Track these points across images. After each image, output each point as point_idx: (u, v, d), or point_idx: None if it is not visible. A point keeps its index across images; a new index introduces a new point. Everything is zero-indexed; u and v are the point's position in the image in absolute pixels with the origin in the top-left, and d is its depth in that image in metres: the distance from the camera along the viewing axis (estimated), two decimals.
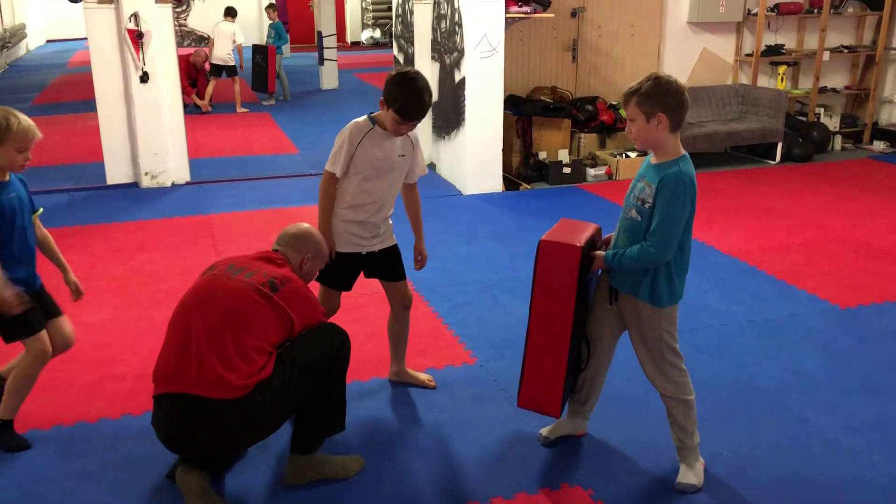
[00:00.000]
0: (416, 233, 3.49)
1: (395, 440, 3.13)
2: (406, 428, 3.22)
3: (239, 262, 2.74)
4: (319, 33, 12.84)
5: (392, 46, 8.69)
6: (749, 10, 8.24)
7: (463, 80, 6.60)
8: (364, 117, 3.16)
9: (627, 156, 7.37)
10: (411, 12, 7.76)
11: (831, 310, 4.35)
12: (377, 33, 21.58)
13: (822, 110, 8.65)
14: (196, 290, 2.69)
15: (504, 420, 3.27)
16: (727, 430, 3.16)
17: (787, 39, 8.60)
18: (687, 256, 2.71)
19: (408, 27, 7.96)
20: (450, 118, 7.03)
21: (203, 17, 20.29)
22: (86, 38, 6.90)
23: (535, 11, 6.83)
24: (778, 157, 7.96)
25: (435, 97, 7.35)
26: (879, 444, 3.07)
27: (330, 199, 3.17)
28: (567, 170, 7.15)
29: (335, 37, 13.06)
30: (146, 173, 6.93)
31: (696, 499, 2.76)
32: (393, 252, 3.37)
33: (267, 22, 12.18)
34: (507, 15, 6.55)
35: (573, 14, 7.67)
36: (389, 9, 21.71)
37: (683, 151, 2.66)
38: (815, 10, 8.40)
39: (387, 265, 3.35)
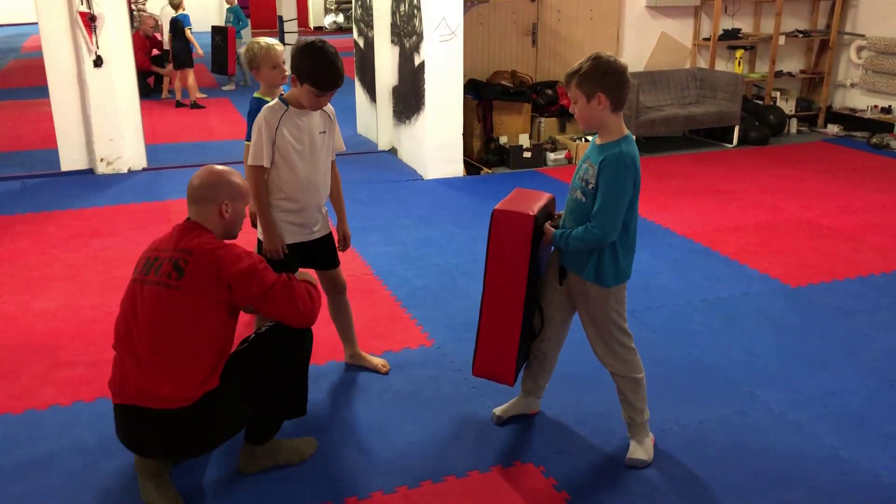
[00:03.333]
0: (338, 213, 3.38)
1: (350, 422, 3.13)
2: (361, 410, 3.23)
3: (153, 252, 2.57)
4: (280, 17, 12.71)
5: (353, 31, 8.62)
6: None
7: (422, 64, 6.58)
8: (275, 100, 3.06)
9: (587, 140, 7.41)
10: None
11: (781, 289, 4.44)
12: (340, 18, 21.41)
13: (778, 94, 8.78)
14: (125, 302, 2.57)
15: (459, 401, 3.29)
16: (676, 406, 3.22)
17: (744, 24, 8.69)
18: (633, 236, 2.75)
19: (367, 11, 7.90)
20: (410, 102, 7.01)
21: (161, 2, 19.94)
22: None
23: None
24: (735, 141, 8.07)
25: (395, 81, 7.36)
26: (823, 417, 3.15)
27: (265, 195, 3.07)
28: (527, 154, 7.17)
29: (296, 21, 12.93)
30: (101, 159, 6.82)
31: (645, 473, 2.81)
32: (329, 240, 3.32)
33: (224, 5, 12.01)
34: None
35: None
36: None
37: (626, 131, 2.69)
38: None
39: (323, 254, 3.30)
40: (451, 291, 4.41)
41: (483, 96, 7.30)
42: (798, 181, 6.66)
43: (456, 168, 6.86)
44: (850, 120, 8.70)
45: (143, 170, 7.02)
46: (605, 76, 2.58)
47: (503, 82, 7.44)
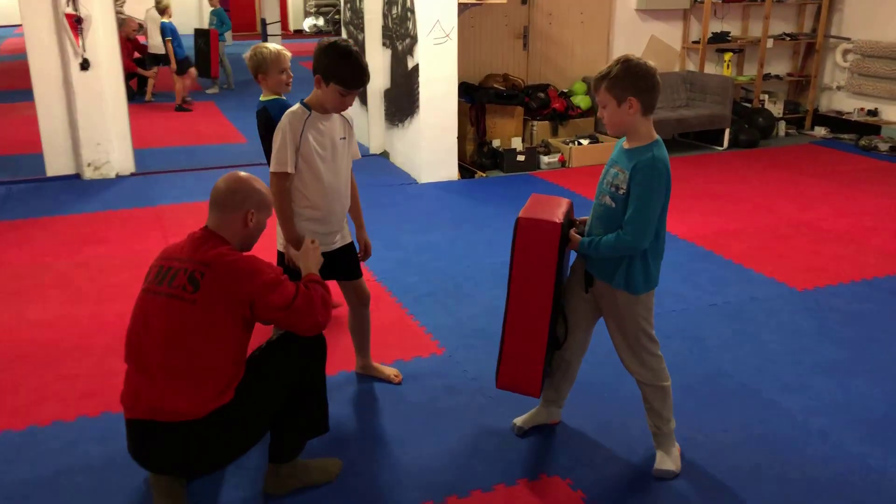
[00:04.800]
0: (356, 222, 3.31)
1: (368, 436, 3.05)
2: (378, 423, 3.14)
3: (166, 262, 2.46)
4: (263, 20, 12.58)
5: (341, 33, 8.52)
6: None
7: (416, 67, 6.51)
8: (296, 106, 2.98)
9: (580, 143, 7.38)
10: None
11: (789, 293, 4.41)
12: (320, 21, 21.24)
13: (766, 97, 8.81)
14: (136, 313, 2.47)
15: (476, 411, 3.22)
16: (698, 415, 3.17)
17: (732, 27, 8.72)
18: (662, 242, 2.69)
19: (357, 13, 7.81)
20: (403, 105, 6.93)
21: (141, 4, 19.67)
22: (16, 25, 6.57)
23: None
24: (725, 143, 8.08)
25: (387, 84, 7.28)
26: (846, 424, 3.11)
27: (288, 203, 2.97)
28: (521, 157, 7.12)
29: (279, 24, 12.79)
30: (89, 164, 6.66)
31: (675, 485, 2.75)
32: (351, 250, 3.24)
33: (207, 8, 11.83)
34: (460, 1, 6.48)
35: (524, 1, 7.63)
36: None
37: (657, 136, 2.63)
38: None
39: (345, 264, 3.22)
40: (457, 297, 4.34)
41: (476, 100, 7.24)
42: (792, 184, 6.67)
43: (451, 172, 6.79)
44: (836, 122, 8.76)
45: (132, 175, 6.87)
46: (636, 79, 2.52)
47: (496, 86, 7.38)
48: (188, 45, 10.68)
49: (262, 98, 3.66)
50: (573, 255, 2.89)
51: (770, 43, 8.58)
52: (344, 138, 3.08)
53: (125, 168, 6.87)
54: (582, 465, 2.86)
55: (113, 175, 6.77)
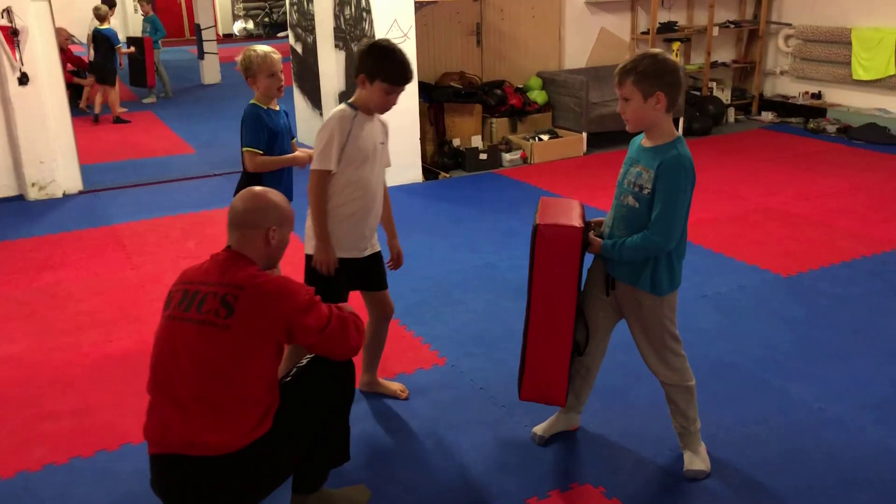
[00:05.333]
0: (389, 229, 3.28)
1: (384, 456, 2.92)
2: (392, 441, 3.02)
3: (192, 286, 2.30)
4: (198, 26, 12.21)
5: (269, 35, 8.30)
6: None
7: None
8: (343, 106, 2.96)
9: (540, 139, 7.35)
10: (308, 0, 7.43)
11: (775, 279, 4.45)
12: (250, 24, 20.81)
13: (714, 84, 8.94)
14: (161, 342, 2.30)
15: (491, 422, 3.12)
16: (712, 410, 3.13)
17: (679, 16, 8.81)
18: (684, 241, 2.64)
19: (305, 15, 7.61)
20: None
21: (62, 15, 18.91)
22: None
23: None
24: (680, 131, 8.14)
25: (342, 87, 7.10)
26: (860, 409, 3.13)
27: (324, 203, 2.90)
28: (483, 156, 7.05)
29: (214, 29, 12.45)
30: (33, 184, 6.32)
31: (707, 484, 2.71)
32: (379, 259, 3.16)
33: (132, 17, 11.37)
34: (416, 0, 6.36)
35: None
36: None
37: (678, 133, 2.58)
38: None
39: (373, 274, 3.13)
40: (448, 304, 4.23)
41: (434, 99, 7.14)
42: (751, 170, 6.77)
43: (415, 174, 6.67)
44: (782, 106, 8.94)
45: (80, 193, 6.55)
46: (664, 74, 2.46)
47: (453, 84, 7.28)
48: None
49: (252, 101, 3.51)
50: (588, 258, 2.82)
51: (716, 31, 8.71)
52: (383, 143, 3.05)
53: (72, 186, 6.55)
54: (611, 471, 2.80)
55: (60, 194, 6.45)
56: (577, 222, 2.63)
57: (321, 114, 7.57)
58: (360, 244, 3.03)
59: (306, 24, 7.62)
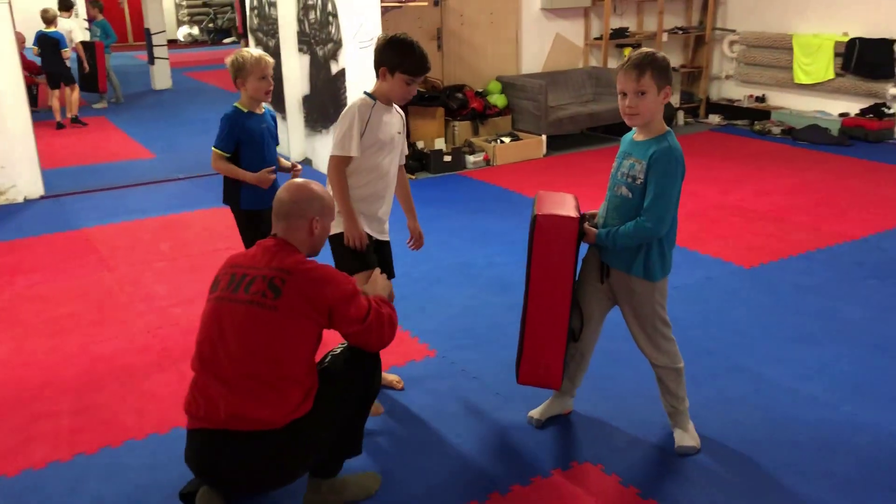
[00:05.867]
0: (409, 212, 3.44)
1: (391, 444, 3.01)
2: (395, 430, 3.11)
3: (240, 269, 2.43)
4: (148, 30, 12.05)
5: (212, 40, 8.30)
6: None
7: (342, 72, 6.44)
8: (363, 95, 3.11)
9: (502, 141, 7.51)
10: (270, 4, 7.46)
11: (738, 270, 4.67)
12: (195, 30, 20.56)
13: None
14: (208, 321, 2.40)
15: (489, 409, 3.24)
16: (696, 391, 3.28)
17: (630, 23, 9.10)
18: (674, 229, 2.81)
19: (266, 20, 7.64)
20: (327, 111, 6.83)
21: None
22: None
23: (408, 0, 6.79)
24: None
25: (306, 91, 7.16)
26: (830, 387, 3.34)
27: (346, 185, 3.03)
28: (447, 158, 7.18)
29: (165, 34, 12.30)
30: None
31: (698, 459, 2.87)
32: (387, 247, 3.30)
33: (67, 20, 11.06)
34: (382, 4, 6.46)
35: (436, 3, 7.69)
36: (205, 4, 20.80)
37: (668, 127, 2.74)
38: None
39: (382, 261, 3.24)
40: (432, 300, 4.34)
41: None
42: (705, 168, 7.04)
43: None
44: (729, 109, 9.29)
45: (42, 198, 6.45)
46: (668, 70, 2.65)
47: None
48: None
49: (235, 104, 3.55)
50: (583, 248, 2.96)
51: (665, 37, 9.02)
52: (400, 133, 3.22)
53: (33, 191, 6.45)
54: (607, 450, 2.94)
55: (21, 199, 6.35)
56: (573, 213, 2.77)
57: (283, 117, 7.60)
58: (375, 227, 3.16)
59: (268, 29, 7.65)
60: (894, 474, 2.76)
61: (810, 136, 8.10)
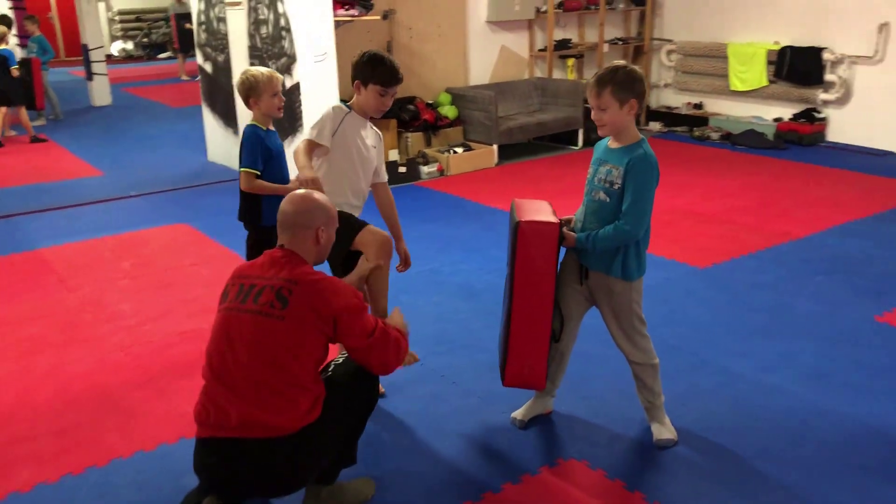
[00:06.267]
0: (396, 233, 3.50)
1: (378, 451, 3.06)
2: (384, 436, 3.17)
3: (248, 280, 2.47)
4: (85, 46, 11.82)
5: (197, 56, 8.25)
6: (538, 8, 8.84)
7: (297, 86, 6.47)
8: (337, 104, 3.28)
9: (455, 152, 7.63)
10: (219, 19, 7.44)
11: (694, 271, 4.87)
12: (129, 45, 20.19)
13: None
14: (217, 332, 2.44)
15: (471, 412, 3.32)
16: (667, 386, 3.37)
17: (572, 34, 9.34)
18: (649, 231, 2.94)
19: (214, 35, 7.60)
20: (282, 126, 6.83)
21: None
22: None
23: (360, 14, 6.86)
24: (581, 143, 8.64)
25: None
26: (792, 378, 3.53)
27: (308, 161, 3.10)
28: (402, 169, 7.26)
29: (103, 49, 12.08)
30: None
31: (677, 451, 3.01)
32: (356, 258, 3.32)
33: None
34: (335, 18, 6.52)
35: (385, 16, 7.77)
36: (139, 19, 20.46)
37: (641, 135, 2.89)
38: (592, 7, 9.21)
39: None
40: (402, 308, 4.36)
41: None
42: None
43: None
44: (668, 116, 9.60)
45: None
46: (635, 83, 2.76)
47: None
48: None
49: (250, 122, 3.65)
50: (561, 252, 3.07)
51: (606, 48, 9.29)
52: (375, 147, 3.36)
53: None
54: (590, 446, 3.06)
55: None
56: (553, 218, 2.88)
57: (235, 132, 7.57)
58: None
59: (216, 44, 7.62)
60: (860, 455, 2.94)
61: (747, 140, 8.44)
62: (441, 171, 7.51)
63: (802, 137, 8.29)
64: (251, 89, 3.53)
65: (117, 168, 8.04)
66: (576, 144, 8.64)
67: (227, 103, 7.57)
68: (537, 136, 8.60)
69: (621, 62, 2.86)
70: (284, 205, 2.54)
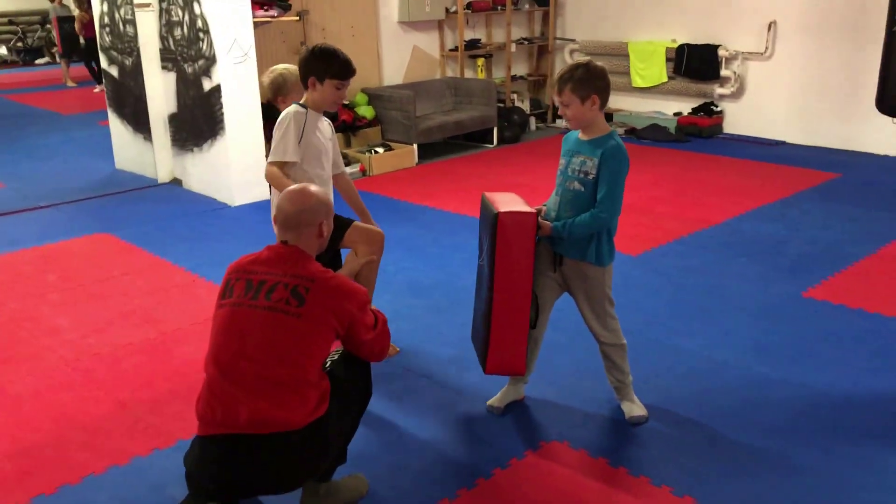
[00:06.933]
0: (368, 218, 3.63)
1: (367, 447, 3.06)
2: (367, 433, 3.15)
3: (256, 276, 2.42)
4: None
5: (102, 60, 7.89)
6: (448, 8, 8.96)
7: (217, 88, 6.32)
8: (294, 106, 3.26)
9: (376, 151, 7.64)
10: (126, 22, 7.17)
11: (628, 258, 5.09)
12: (2, 50, 19.06)
13: (515, 96, 9.73)
14: (225, 328, 2.39)
15: (448, 404, 3.38)
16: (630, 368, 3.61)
17: (480, 34, 9.51)
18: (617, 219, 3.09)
19: (120, 37, 7.31)
20: (200, 129, 6.67)
21: None
22: None
23: (279, 14, 6.77)
24: (496, 141, 8.81)
25: (172, 109, 6.95)
26: (740, 352, 3.76)
27: (285, 177, 3.14)
28: None
29: None
30: None
31: (650, 427, 3.16)
32: (339, 258, 3.34)
33: None
34: (255, 19, 6.42)
35: (298, 17, 7.70)
36: (11, 23, 19.36)
37: (610, 127, 3.02)
38: (499, 7, 9.40)
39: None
40: None
41: (268, 116, 7.17)
42: None
43: (262, 191, 6.66)
44: None
45: None
46: (596, 79, 2.88)
47: None
48: None
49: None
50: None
51: (513, 47, 9.51)
52: (331, 139, 3.38)
53: None
54: (569, 427, 3.17)
55: None
56: (529, 208, 2.98)
57: (145, 137, 7.33)
58: None
59: (123, 47, 7.34)
60: (814, 420, 3.18)
61: (652, 134, 8.83)
62: (364, 172, 7.51)
63: (702, 130, 8.76)
64: (280, 88, 3.57)
65: (18, 179, 7.61)
66: (491, 143, 8.80)
67: (137, 108, 7.31)
68: (453, 136, 8.72)
69: (583, 59, 2.99)
70: (284, 203, 2.52)
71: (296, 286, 2.38)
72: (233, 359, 2.36)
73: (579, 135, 3.05)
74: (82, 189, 7.14)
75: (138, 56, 7.06)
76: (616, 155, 2.91)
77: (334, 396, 2.45)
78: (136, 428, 3.25)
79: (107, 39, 7.61)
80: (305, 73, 3.26)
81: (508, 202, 3.04)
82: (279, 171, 3.18)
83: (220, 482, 2.35)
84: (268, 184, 3.28)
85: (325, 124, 3.41)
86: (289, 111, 3.27)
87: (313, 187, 2.60)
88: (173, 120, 7.03)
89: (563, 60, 10.09)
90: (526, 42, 9.80)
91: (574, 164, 3.00)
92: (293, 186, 2.61)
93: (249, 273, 2.45)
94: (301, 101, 3.31)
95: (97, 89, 13.07)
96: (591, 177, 2.94)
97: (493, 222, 2.93)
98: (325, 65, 3.22)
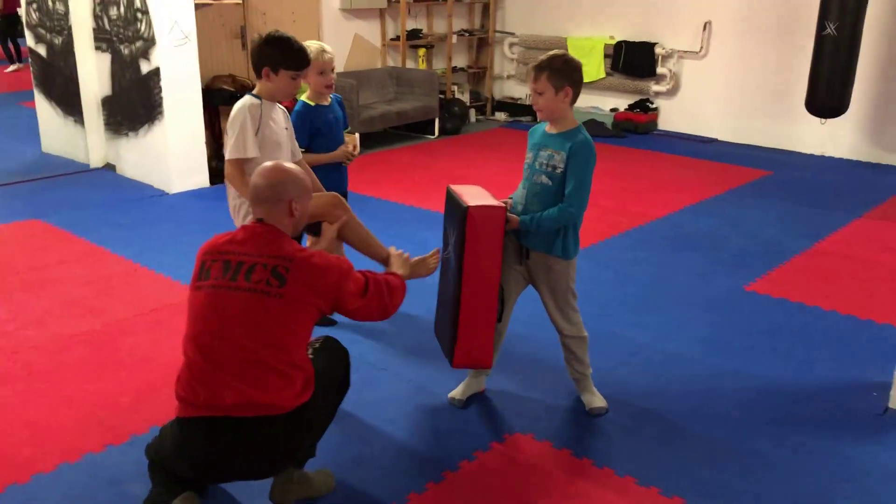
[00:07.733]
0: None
1: (332, 440, 2.96)
2: (331, 426, 3.11)
3: (234, 256, 2.35)
4: None
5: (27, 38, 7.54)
6: None
7: (156, 71, 6.12)
8: (247, 97, 3.16)
9: None
10: None
11: None
12: None
13: (456, 87, 9.73)
14: (204, 311, 2.32)
15: (407, 396, 3.36)
16: None
17: (421, 24, 9.46)
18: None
19: (50, 15, 6.98)
20: (137, 113, 6.44)
21: None
22: None
23: None
24: (437, 132, 8.80)
25: (107, 92, 6.69)
26: (692, 344, 3.86)
27: (244, 176, 3.07)
28: None
29: None
30: None
31: (610, 417, 3.21)
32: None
33: None
34: (195, 1, 6.23)
35: (240, 0, 7.50)
36: None
37: (578, 122, 3.04)
38: None
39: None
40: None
41: (208, 102, 6.98)
42: (512, 161, 7.54)
43: (202, 178, 6.51)
44: (512, 107, 9.99)
45: None
46: (571, 71, 2.89)
47: (225, 87, 7.17)
48: None
49: (302, 98, 3.69)
50: None
51: (454, 39, 9.50)
52: (287, 129, 3.30)
53: None
54: (531, 419, 3.19)
55: None
56: (497, 202, 2.98)
57: (76, 120, 7.04)
58: None
59: (52, 25, 7.02)
60: (768, 410, 3.29)
61: (589, 129, 8.87)
62: None
63: (638, 126, 8.93)
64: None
65: None
66: (432, 134, 8.78)
67: (67, 89, 7.00)
68: (394, 126, 8.67)
69: (561, 51, 2.99)
70: (256, 178, 2.47)
71: (275, 266, 2.33)
72: (215, 341, 2.30)
73: (546, 128, 3.06)
74: (6, 173, 6.80)
75: (69, 35, 6.76)
76: (584, 150, 2.93)
77: (318, 381, 2.42)
78: (85, 423, 3.12)
79: (34, 16, 7.26)
80: (259, 63, 3.16)
81: (476, 196, 3.03)
82: (238, 174, 3.09)
83: (199, 466, 2.29)
84: (209, 172, 3.23)
85: (280, 114, 3.32)
86: (242, 103, 3.15)
87: (290, 165, 2.55)
88: (107, 103, 6.77)
89: (503, 53, 10.16)
90: (467, 34, 9.80)
91: (541, 158, 3.01)
92: (269, 163, 2.54)
93: (226, 254, 2.38)
94: (254, 92, 3.21)
95: (11, 68, 12.52)
96: (558, 171, 2.95)
97: (461, 216, 2.92)
98: (280, 55, 3.12)
